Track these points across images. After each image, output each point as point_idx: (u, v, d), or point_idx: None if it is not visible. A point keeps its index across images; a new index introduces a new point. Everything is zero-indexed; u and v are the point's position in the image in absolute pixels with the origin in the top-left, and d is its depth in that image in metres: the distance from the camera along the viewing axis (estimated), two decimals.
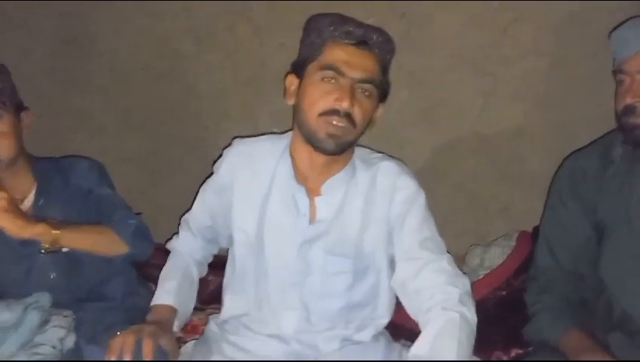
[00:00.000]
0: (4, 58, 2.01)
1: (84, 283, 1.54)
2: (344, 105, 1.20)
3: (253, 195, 1.35)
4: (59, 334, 1.39)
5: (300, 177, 1.32)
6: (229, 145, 1.43)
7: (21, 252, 1.46)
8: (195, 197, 1.51)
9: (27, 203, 1.51)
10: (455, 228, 2.07)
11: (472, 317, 1.20)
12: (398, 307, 1.35)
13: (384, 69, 1.29)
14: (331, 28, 1.25)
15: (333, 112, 1.21)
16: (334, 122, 1.21)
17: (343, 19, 1.27)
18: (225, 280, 1.42)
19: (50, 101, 2.15)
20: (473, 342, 1.17)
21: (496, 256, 1.77)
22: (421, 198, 1.33)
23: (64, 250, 1.42)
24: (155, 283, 1.46)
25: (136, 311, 1.51)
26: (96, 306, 1.53)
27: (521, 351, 1.51)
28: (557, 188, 1.37)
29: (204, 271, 1.54)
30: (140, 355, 1.16)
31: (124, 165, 1.69)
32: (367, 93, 1.25)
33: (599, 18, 1.79)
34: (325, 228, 1.31)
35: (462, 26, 1.96)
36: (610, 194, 1.28)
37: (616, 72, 1.27)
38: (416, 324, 1.24)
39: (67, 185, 1.54)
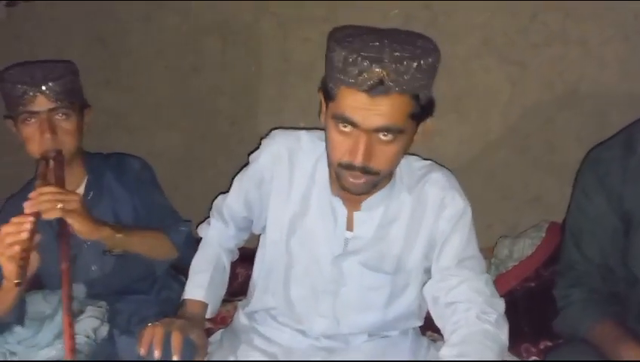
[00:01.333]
0: (38, 57, 2.09)
1: (122, 278, 1.58)
2: (356, 161, 1.10)
3: (291, 193, 1.30)
4: (93, 324, 1.44)
5: (336, 191, 1.26)
6: (266, 135, 1.37)
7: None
8: (223, 192, 1.53)
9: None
10: (485, 220, 2.05)
11: (505, 341, 1.18)
12: None
13: (415, 97, 1.10)
14: (342, 66, 1.06)
15: (349, 167, 1.12)
16: (351, 179, 1.14)
17: (354, 52, 1.05)
18: (254, 273, 1.42)
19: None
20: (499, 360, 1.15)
21: (525, 248, 1.74)
22: (467, 216, 1.27)
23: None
24: (186, 275, 1.47)
25: (170, 304, 1.56)
26: (131, 299, 1.58)
27: (550, 344, 1.49)
28: (581, 182, 1.34)
29: (236, 256, 1.54)
30: (169, 348, 1.18)
31: (153, 161, 1.73)
32: (389, 138, 1.10)
33: (629, 3, 1.74)
34: (364, 244, 1.27)
35: (488, 14, 1.93)
36: (636, 184, 1.24)
37: None
38: None
39: (117, 181, 1.58)
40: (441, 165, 1.36)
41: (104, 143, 2.10)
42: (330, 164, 1.21)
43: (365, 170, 1.12)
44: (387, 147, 1.12)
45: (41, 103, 1.42)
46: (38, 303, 1.41)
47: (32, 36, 2.13)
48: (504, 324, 1.19)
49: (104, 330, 1.45)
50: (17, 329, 1.35)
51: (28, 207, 1.25)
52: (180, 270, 1.72)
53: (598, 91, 1.87)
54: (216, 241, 1.48)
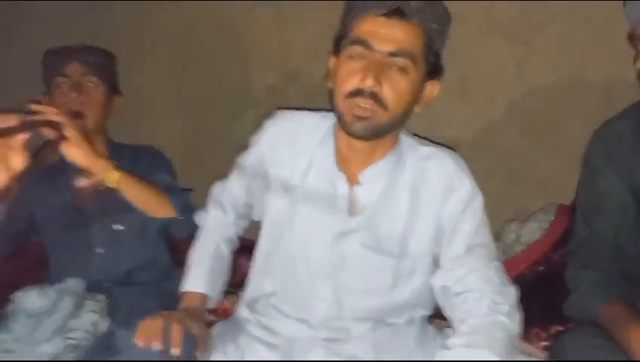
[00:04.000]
0: (33, 49, 2.07)
1: (126, 263, 1.60)
2: (368, 83, 1.08)
3: (290, 174, 1.27)
4: (92, 319, 1.42)
5: (342, 163, 1.23)
6: (270, 116, 1.35)
7: (77, 220, 1.58)
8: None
9: (94, 179, 1.56)
10: (493, 203, 1.98)
11: (517, 331, 1.14)
12: None
13: (429, 39, 1.12)
14: (360, 3, 1.12)
15: (358, 93, 1.10)
16: (359, 105, 1.10)
17: None
18: (254, 260, 1.37)
19: None
20: (509, 351, 1.11)
21: (534, 231, 1.71)
22: (478, 201, 1.23)
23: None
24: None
25: (171, 297, 1.52)
26: (133, 291, 1.57)
27: (561, 328, 1.46)
28: (591, 157, 1.31)
29: (236, 244, 1.49)
30: (169, 341, 1.16)
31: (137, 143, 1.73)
32: (402, 69, 1.10)
33: None
34: (364, 221, 1.22)
35: None
36: None
37: (630, 38, 1.22)
38: None
39: (133, 166, 1.59)
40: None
41: None
42: (336, 106, 1.15)
43: (374, 96, 1.09)
44: (398, 78, 1.10)
45: (75, 68, 1.57)
46: (33, 299, 1.40)
47: (25, 30, 2.11)
48: (516, 314, 1.15)
49: (104, 325, 1.44)
50: (14, 326, 1.34)
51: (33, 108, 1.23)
52: (180, 262, 1.72)
53: (604, 70, 1.83)
54: (215, 230, 1.44)
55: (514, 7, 1.89)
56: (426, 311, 1.31)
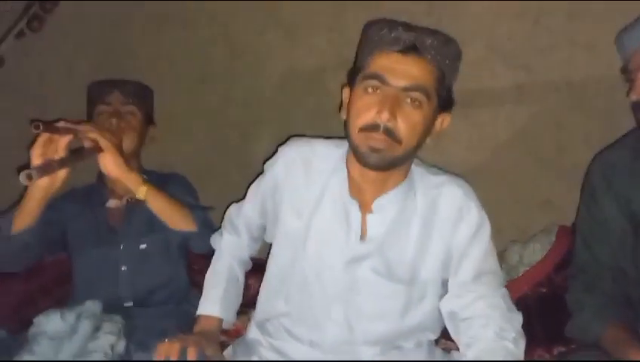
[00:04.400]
0: (54, 70, 2.12)
1: (149, 281, 1.66)
2: (383, 117, 1.12)
3: (303, 200, 1.30)
4: (110, 340, 1.45)
5: (354, 191, 1.26)
6: (284, 143, 1.39)
7: (106, 239, 1.66)
8: (234, 201, 1.54)
9: (124, 200, 1.71)
10: (495, 223, 2.03)
11: (521, 356, 1.17)
12: None
13: (441, 74, 1.17)
14: (379, 35, 1.16)
15: (374, 127, 1.13)
16: (373, 138, 1.14)
17: (392, 25, 1.16)
18: (264, 280, 1.40)
19: None
20: None
21: (535, 252, 1.73)
22: (486, 229, 1.27)
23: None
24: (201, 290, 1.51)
25: (188, 319, 1.58)
26: (150, 312, 1.62)
27: (564, 349, 1.48)
28: (589, 184, 1.35)
29: (249, 266, 1.55)
30: None
31: (165, 172, 1.78)
32: (416, 103, 1.14)
33: (634, 4, 1.73)
34: (375, 247, 1.25)
35: (492, 18, 1.93)
36: None
37: (623, 71, 1.27)
38: None
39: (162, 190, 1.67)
40: (457, 175, 1.34)
41: None
42: (351, 138, 1.19)
43: (388, 132, 1.12)
44: (412, 113, 1.14)
45: (115, 98, 1.70)
46: (56, 323, 1.43)
47: (43, 53, 2.15)
48: (521, 341, 1.19)
49: (121, 346, 1.47)
50: (36, 349, 1.37)
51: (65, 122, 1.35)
52: (196, 284, 1.76)
53: (605, 93, 1.86)
54: (230, 253, 1.49)
55: (515, 33, 1.93)
56: (434, 335, 1.34)
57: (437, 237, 1.25)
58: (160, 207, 1.54)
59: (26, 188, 1.37)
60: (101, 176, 1.74)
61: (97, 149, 1.38)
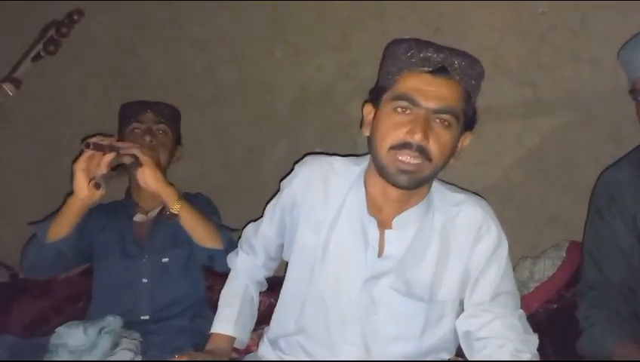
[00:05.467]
0: (66, 92, 2.15)
1: (168, 294, 1.69)
2: (417, 138, 1.12)
3: (321, 217, 1.30)
4: (127, 356, 1.47)
5: (372, 209, 1.26)
6: (300, 160, 1.40)
7: (131, 252, 1.71)
8: (244, 219, 1.56)
9: (151, 214, 1.78)
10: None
11: None
12: None
13: (468, 95, 1.19)
14: (407, 55, 1.16)
15: (405, 146, 1.14)
16: (407, 158, 1.14)
17: (420, 45, 1.16)
18: (280, 298, 1.39)
19: (107, 132, 2.26)
20: None
21: (546, 268, 1.73)
22: (504, 249, 1.26)
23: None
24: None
25: (202, 336, 1.59)
26: (166, 328, 1.64)
27: None
28: (595, 203, 1.36)
29: (264, 286, 1.54)
30: None
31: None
32: (445, 124, 1.15)
33: (638, 20, 1.75)
34: (394, 265, 1.24)
35: (498, 36, 1.96)
36: None
37: (632, 91, 1.27)
38: None
39: None
40: (477, 194, 1.34)
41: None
42: (378, 156, 1.19)
43: (421, 150, 1.13)
44: (442, 133, 1.15)
45: (149, 117, 1.76)
46: (79, 336, 1.45)
47: (57, 76, 2.19)
48: None
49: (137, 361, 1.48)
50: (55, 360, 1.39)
51: (111, 140, 1.47)
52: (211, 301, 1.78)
53: (611, 109, 1.87)
54: (245, 273, 1.49)
55: (520, 49, 1.95)
56: (448, 355, 1.32)
57: (455, 256, 1.25)
58: (192, 223, 1.60)
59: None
60: (129, 192, 1.83)
61: (138, 164, 1.48)
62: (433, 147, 1.14)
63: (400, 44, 1.18)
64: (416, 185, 1.19)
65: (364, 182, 1.28)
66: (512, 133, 2.00)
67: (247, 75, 2.15)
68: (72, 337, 1.43)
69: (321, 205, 1.30)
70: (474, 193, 1.34)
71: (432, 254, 1.25)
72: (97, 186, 1.36)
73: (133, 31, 2.19)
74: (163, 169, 1.73)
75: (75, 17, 1.33)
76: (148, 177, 1.49)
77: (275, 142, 2.17)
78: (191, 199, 1.77)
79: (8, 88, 1.31)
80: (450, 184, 1.35)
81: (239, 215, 1.66)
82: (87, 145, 1.36)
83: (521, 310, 1.25)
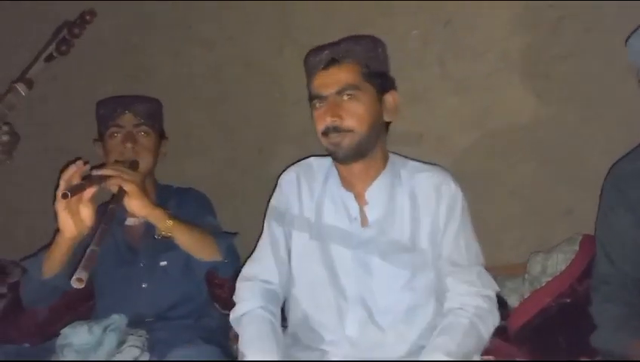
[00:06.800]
0: (77, 93, 2.16)
1: (169, 298, 1.66)
2: (328, 121, 1.35)
3: (309, 208, 1.46)
4: (134, 353, 1.48)
5: (347, 186, 1.44)
6: (302, 159, 1.56)
7: (127, 258, 1.68)
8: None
9: (142, 218, 1.66)
10: (516, 235, 2.03)
11: (485, 330, 1.30)
12: None
13: (366, 67, 1.37)
14: (308, 64, 1.41)
15: (327, 130, 1.36)
16: (332, 138, 1.36)
17: (315, 51, 1.41)
18: (289, 296, 1.48)
19: None
20: (475, 349, 1.29)
21: (559, 262, 1.71)
22: (459, 204, 1.41)
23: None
24: (222, 303, 1.56)
25: (207, 332, 1.63)
26: (172, 324, 1.63)
27: (589, 360, 1.45)
28: (605, 196, 1.35)
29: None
30: None
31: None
32: (352, 97, 1.36)
33: None
34: (377, 231, 1.40)
35: (508, 28, 1.94)
36: None
37: None
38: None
39: (180, 210, 1.68)
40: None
41: None
42: (323, 144, 1.39)
43: (337, 129, 1.34)
44: (351, 105, 1.35)
45: (127, 119, 1.67)
46: (83, 335, 1.45)
47: (68, 77, 2.21)
48: (486, 316, 1.31)
49: (144, 358, 1.49)
50: (62, 360, 1.40)
51: (95, 171, 1.42)
52: (215, 297, 1.78)
53: (622, 100, 1.85)
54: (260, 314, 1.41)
55: (530, 41, 1.93)
56: (438, 303, 1.40)
57: (424, 212, 1.41)
58: (186, 240, 1.55)
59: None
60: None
61: (123, 193, 1.42)
62: (348, 120, 1.35)
63: (306, 57, 1.43)
64: (356, 154, 1.36)
65: (336, 166, 1.46)
66: (522, 127, 1.99)
67: (256, 73, 2.15)
68: (77, 336, 1.44)
69: (308, 198, 1.47)
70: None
71: (406, 214, 1.41)
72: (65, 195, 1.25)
73: (143, 31, 2.20)
74: (148, 171, 1.69)
75: (88, 18, 1.33)
76: (134, 206, 1.44)
77: (284, 141, 2.17)
78: (183, 196, 1.77)
79: (21, 89, 1.31)
80: (416, 161, 1.50)
81: (248, 214, 1.66)
82: (65, 196, 1.25)
83: (480, 267, 1.39)
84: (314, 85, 1.40)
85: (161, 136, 1.78)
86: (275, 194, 1.53)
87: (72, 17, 1.42)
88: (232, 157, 2.24)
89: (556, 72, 1.93)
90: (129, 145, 1.65)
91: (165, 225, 1.50)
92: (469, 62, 2.01)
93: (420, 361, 1.25)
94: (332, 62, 1.37)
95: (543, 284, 1.70)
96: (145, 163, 1.66)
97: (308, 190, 1.48)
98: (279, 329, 1.41)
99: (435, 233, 1.40)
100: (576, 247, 1.73)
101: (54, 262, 1.44)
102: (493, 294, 1.37)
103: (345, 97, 1.36)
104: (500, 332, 1.45)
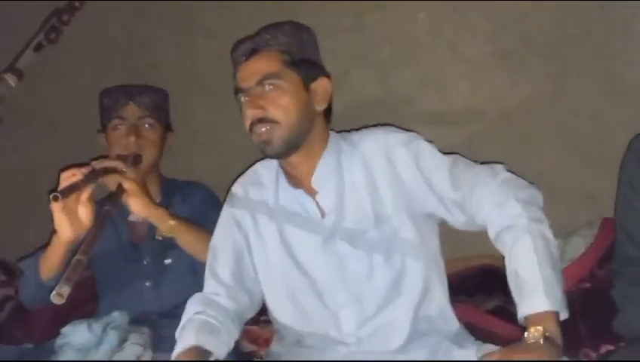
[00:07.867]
0: (82, 89, 2.15)
1: (174, 296, 1.60)
2: (250, 114, 1.27)
3: (265, 212, 1.38)
4: (137, 351, 1.44)
5: (295, 182, 1.36)
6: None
7: (130, 255, 1.63)
8: None
9: None
10: None
11: (546, 228, 1.26)
12: (464, 306, 1.27)
13: (288, 54, 1.30)
14: (233, 57, 1.35)
15: (252, 125, 1.28)
16: (258, 132, 1.27)
17: (237, 44, 1.34)
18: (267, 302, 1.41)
19: None
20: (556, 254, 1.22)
21: (578, 247, 1.64)
22: (417, 143, 1.31)
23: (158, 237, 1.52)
24: None
25: None
26: (177, 323, 1.56)
27: (612, 347, 1.39)
28: (625, 173, 1.28)
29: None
30: None
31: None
32: (275, 87, 1.27)
33: None
34: (336, 217, 1.32)
35: (525, 9, 1.88)
36: None
37: None
38: (487, 322, 1.16)
39: (185, 204, 1.66)
40: None
41: None
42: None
43: (261, 120, 1.26)
44: (276, 95, 1.27)
45: (131, 111, 1.61)
46: (83, 334, 1.43)
47: (71, 73, 2.21)
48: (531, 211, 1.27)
49: (147, 357, 1.46)
50: (62, 359, 1.37)
51: (95, 164, 1.37)
52: None
53: None
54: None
55: (546, 21, 1.86)
56: (424, 265, 1.32)
57: (381, 176, 1.32)
58: (188, 241, 1.49)
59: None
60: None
61: (122, 191, 1.38)
62: (273, 111, 1.26)
63: (231, 51, 1.36)
64: (286, 148, 1.28)
65: (280, 165, 1.39)
66: (541, 109, 1.92)
67: None
68: (76, 335, 1.42)
69: (260, 204, 1.39)
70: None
71: (362, 190, 1.32)
72: (55, 199, 1.16)
73: (147, 22, 2.19)
74: (152, 165, 1.64)
75: (77, 4, 1.30)
76: (135, 206, 1.40)
77: None
78: (187, 189, 1.72)
79: (10, 79, 1.29)
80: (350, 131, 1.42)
81: None
82: (55, 198, 1.15)
83: (478, 166, 1.31)
84: (237, 78, 1.32)
85: (167, 128, 1.72)
86: (227, 209, 1.44)
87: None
88: (238, 152, 2.20)
89: (575, 52, 1.86)
90: (132, 138, 1.59)
91: (167, 225, 1.45)
92: (484, 44, 1.96)
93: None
94: (252, 52, 1.31)
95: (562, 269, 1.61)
96: (149, 157, 1.61)
97: (263, 194, 1.40)
98: (217, 327, 1.30)
99: (407, 195, 1.30)
100: (596, 231, 1.65)
101: (51, 264, 1.39)
102: (527, 190, 1.30)
103: (267, 88, 1.28)
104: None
